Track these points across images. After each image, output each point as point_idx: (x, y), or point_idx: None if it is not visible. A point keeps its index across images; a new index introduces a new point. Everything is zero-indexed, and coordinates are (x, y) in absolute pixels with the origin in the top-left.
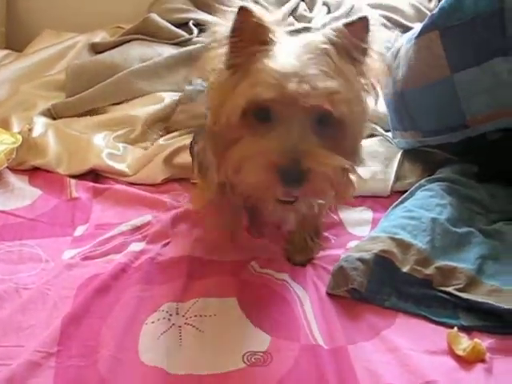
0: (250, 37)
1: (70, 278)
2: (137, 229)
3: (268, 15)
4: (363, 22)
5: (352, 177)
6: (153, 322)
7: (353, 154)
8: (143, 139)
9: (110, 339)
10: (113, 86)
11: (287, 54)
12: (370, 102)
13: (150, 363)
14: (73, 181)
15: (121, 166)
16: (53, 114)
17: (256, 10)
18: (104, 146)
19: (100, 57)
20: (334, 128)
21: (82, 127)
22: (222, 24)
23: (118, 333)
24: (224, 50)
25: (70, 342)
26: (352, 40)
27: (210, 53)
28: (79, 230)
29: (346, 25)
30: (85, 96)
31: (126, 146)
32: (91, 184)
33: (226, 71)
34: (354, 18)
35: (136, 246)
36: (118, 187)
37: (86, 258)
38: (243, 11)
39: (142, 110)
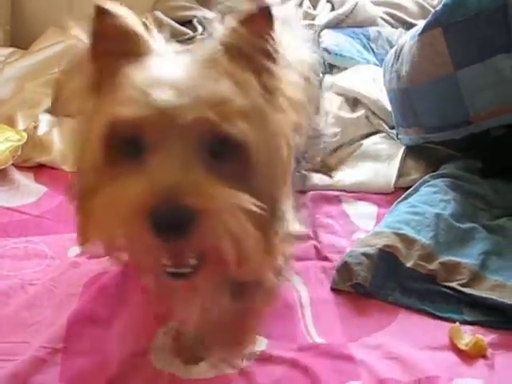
0: (114, 47)
1: (76, 276)
2: None
3: (134, 19)
4: (262, 14)
5: (278, 238)
6: None
7: (269, 204)
8: None
9: (118, 338)
10: None
11: (161, 63)
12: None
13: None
14: None
15: None
16: None
17: (120, 11)
18: None
19: None
20: (236, 160)
21: None
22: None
23: (126, 332)
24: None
25: (76, 339)
26: (249, 39)
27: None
28: None
29: (241, 21)
30: None
31: None
32: None
33: (89, 94)
34: (249, 10)
35: None
36: None
37: (91, 256)
38: (101, 14)
39: None
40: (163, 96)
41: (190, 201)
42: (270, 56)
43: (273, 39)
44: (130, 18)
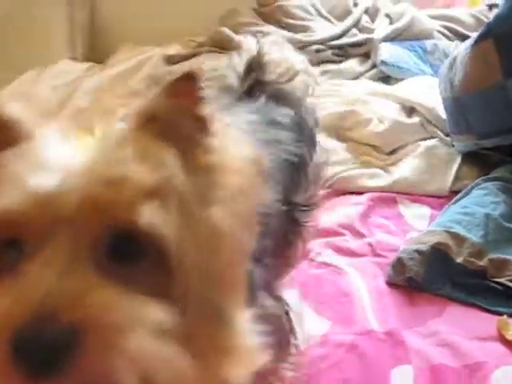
0: None
1: None
2: None
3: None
4: (188, 83)
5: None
6: None
7: (206, 317)
8: None
9: None
10: None
11: (48, 146)
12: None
13: None
14: None
15: None
16: None
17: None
18: None
19: (175, 67)
20: (150, 261)
21: None
22: None
23: None
24: None
25: None
26: (171, 111)
27: None
28: None
29: (164, 90)
30: None
31: None
32: None
33: None
34: (173, 77)
35: None
36: None
37: None
38: None
39: None
40: (43, 180)
41: (67, 315)
42: (199, 127)
43: (200, 111)
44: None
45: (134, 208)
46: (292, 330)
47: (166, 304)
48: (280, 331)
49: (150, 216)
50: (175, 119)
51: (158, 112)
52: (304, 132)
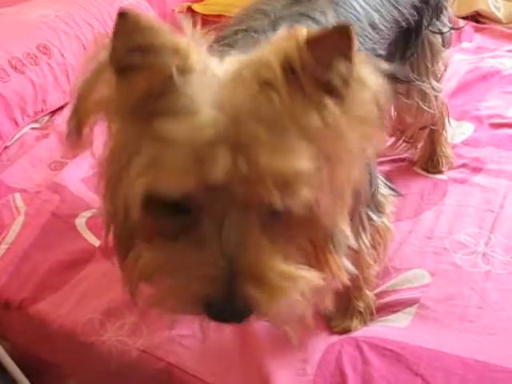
0: (145, 59)
1: None
2: None
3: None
4: (342, 33)
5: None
6: None
7: (328, 238)
8: None
9: None
10: None
11: (203, 98)
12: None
13: None
14: None
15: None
16: None
17: (151, 19)
18: None
19: None
20: (296, 220)
21: None
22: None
23: None
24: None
25: None
26: (321, 63)
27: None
28: None
29: (312, 39)
30: None
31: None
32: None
33: (115, 116)
34: (326, 28)
35: None
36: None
37: None
38: (128, 18)
39: None
40: (218, 172)
41: (251, 293)
42: (344, 82)
43: (350, 63)
44: (163, 27)
45: (294, 195)
46: None
47: (303, 245)
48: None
49: (304, 197)
50: (321, 64)
51: (302, 62)
52: None
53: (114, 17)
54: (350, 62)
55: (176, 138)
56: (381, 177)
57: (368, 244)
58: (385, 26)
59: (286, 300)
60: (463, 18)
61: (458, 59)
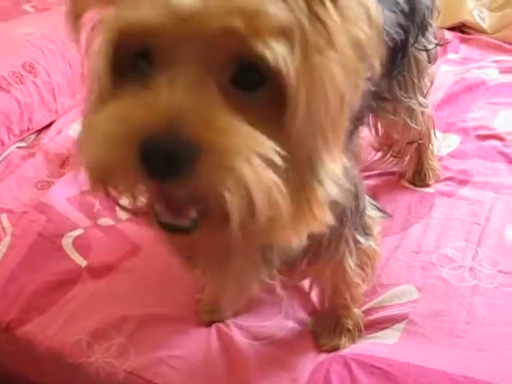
0: None
1: None
2: None
3: None
4: None
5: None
6: None
7: (306, 162)
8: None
9: None
10: None
11: None
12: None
13: None
14: None
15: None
16: None
17: None
18: (472, 8)
19: None
20: (268, 95)
21: None
22: None
23: None
24: None
25: None
26: None
27: None
28: None
29: None
30: None
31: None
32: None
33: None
34: None
35: None
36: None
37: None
38: None
39: None
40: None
41: (193, 131)
42: None
43: None
44: None
45: (265, 41)
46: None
47: (275, 139)
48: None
49: (278, 50)
50: None
51: None
52: (414, 15)
53: None
54: None
55: None
56: (368, 197)
57: (355, 266)
58: None
59: (233, 153)
60: (449, 28)
61: (444, 70)
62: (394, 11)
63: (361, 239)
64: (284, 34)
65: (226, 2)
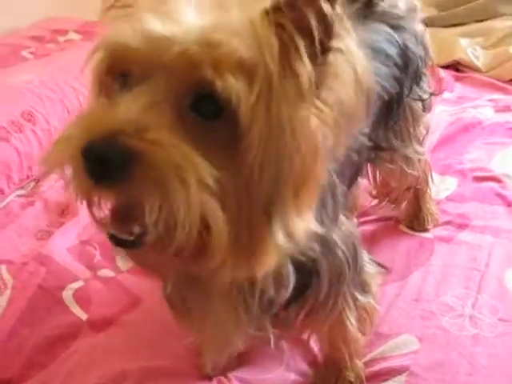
0: None
1: None
2: None
3: None
4: None
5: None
6: None
7: (261, 202)
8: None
9: None
10: (479, 6)
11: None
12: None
13: None
14: None
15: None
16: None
17: None
18: (466, 46)
19: None
20: (223, 125)
21: (447, 34)
22: None
23: None
24: None
25: None
26: (297, 10)
27: None
28: None
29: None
30: (455, 12)
31: (481, 50)
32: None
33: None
34: None
35: None
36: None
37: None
38: None
39: (501, 23)
40: (158, 24)
41: (129, 140)
42: (312, 37)
43: (324, 19)
44: None
45: (221, 73)
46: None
47: (224, 169)
48: (352, 247)
49: (232, 84)
50: (299, 11)
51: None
52: (408, 66)
53: None
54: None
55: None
56: (365, 253)
57: (354, 321)
58: None
59: (169, 171)
60: (443, 67)
61: (440, 110)
62: (388, 65)
63: (359, 296)
64: (245, 71)
65: (192, 29)
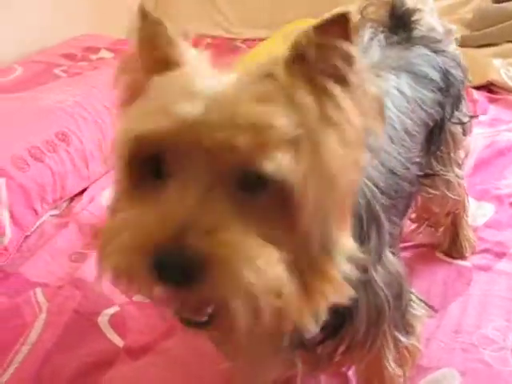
0: (150, 55)
1: None
2: None
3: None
4: (340, 24)
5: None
6: None
7: (316, 245)
8: None
9: None
10: (511, 27)
11: (197, 74)
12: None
13: None
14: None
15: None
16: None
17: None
18: (499, 67)
19: (503, 5)
20: (274, 197)
21: (480, 55)
22: None
23: None
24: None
25: None
26: (320, 52)
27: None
28: None
29: (315, 29)
30: (487, 32)
31: None
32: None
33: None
34: (325, 18)
35: None
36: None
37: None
38: (144, 17)
39: None
40: (190, 108)
41: (199, 244)
42: (340, 79)
43: (348, 57)
44: (167, 26)
45: (267, 154)
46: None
47: (283, 236)
48: (397, 287)
49: (282, 162)
50: (323, 55)
51: (307, 49)
52: (449, 90)
53: None
54: (350, 43)
55: (158, 93)
56: (414, 292)
57: (393, 362)
58: (416, 131)
59: (242, 268)
60: (476, 88)
61: (475, 133)
62: (432, 90)
63: (402, 338)
64: (292, 143)
65: (233, 113)
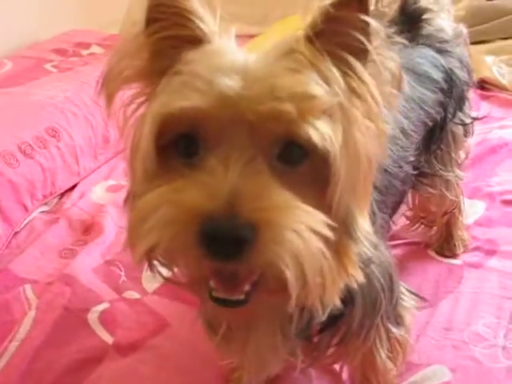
0: (171, 30)
1: None
2: None
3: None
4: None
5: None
6: None
7: (344, 222)
8: None
9: None
10: (503, 24)
11: (228, 49)
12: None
13: None
14: None
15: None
16: None
17: None
18: (491, 64)
19: (496, 2)
20: (312, 168)
21: (473, 51)
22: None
23: None
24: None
25: None
26: (339, 27)
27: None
28: None
29: (333, 4)
30: (480, 29)
31: (507, 68)
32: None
33: (139, 81)
34: None
35: None
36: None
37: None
38: None
39: None
40: (230, 83)
41: (250, 213)
42: (360, 53)
43: (366, 33)
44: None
45: (312, 123)
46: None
47: (319, 208)
48: (388, 278)
49: (323, 131)
50: (342, 30)
51: (327, 24)
52: (452, 90)
53: None
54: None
55: (191, 70)
56: (402, 284)
57: (385, 353)
58: (413, 131)
59: (288, 230)
60: None
61: None
62: (433, 90)
63: (393, 329)
64: (327, 113)
65: (272, 86)
